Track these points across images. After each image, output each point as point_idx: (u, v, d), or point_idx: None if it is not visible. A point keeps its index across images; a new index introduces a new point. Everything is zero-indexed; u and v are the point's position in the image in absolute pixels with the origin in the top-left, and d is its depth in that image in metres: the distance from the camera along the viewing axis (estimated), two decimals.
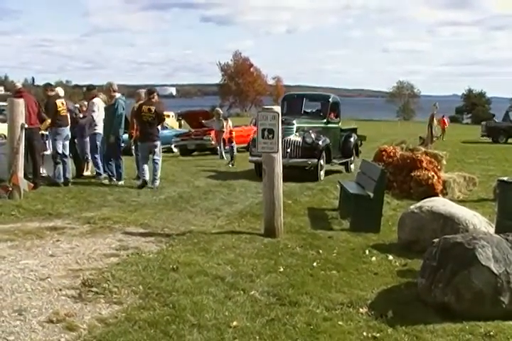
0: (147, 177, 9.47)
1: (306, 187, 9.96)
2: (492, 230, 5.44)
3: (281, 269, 4.82)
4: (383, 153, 10.12)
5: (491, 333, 3.58)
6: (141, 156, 9.78)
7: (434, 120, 23.35)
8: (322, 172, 11.27)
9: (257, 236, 5.99)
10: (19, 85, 9.59)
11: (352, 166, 12.92)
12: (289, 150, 10.78)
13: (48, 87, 9.85)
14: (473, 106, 70.55)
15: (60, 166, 9.22)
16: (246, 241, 5.80)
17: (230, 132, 15.81)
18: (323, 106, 12.79)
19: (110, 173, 9.78)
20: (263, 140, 6.11)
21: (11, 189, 7.78)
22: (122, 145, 10.13)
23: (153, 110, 9.47)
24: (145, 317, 3.62)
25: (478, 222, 5.75)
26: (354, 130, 14.30)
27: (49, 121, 9.16)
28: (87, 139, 10.26)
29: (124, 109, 9.89)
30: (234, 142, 14.79)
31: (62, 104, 9.40)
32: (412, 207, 6.18)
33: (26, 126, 8.19)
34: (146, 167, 9.54)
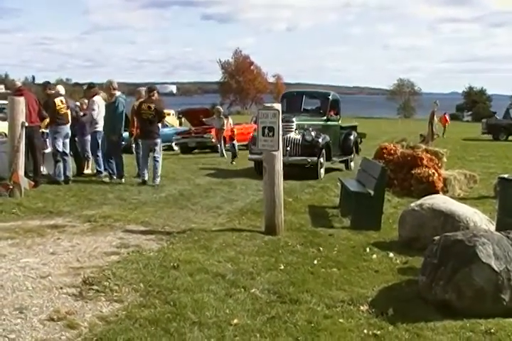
0: (146, 177, 9.48)
1: (306, 184, 9.96)
2: (493, 227, 5.44)
3: (282, 267, 4.82)
4: (384, 150, 10.11)
5: (492, 330, 3.58)
6: (142, 154, 9.79)
7: (435, 117, 23.33)
8: (322, 171, 11.23)
9: (257, 234, 5.99)
10: (19, 84, 9.59)
11: (352, 164, 12.89)
12: (288, 148, 10.71)
13: (47, 85, 9.85)
14: (474, 103, 70.43)
15: (61, 164, 9.22)
16: (247, 238, 5.80)
17: (232, 130, 15.79)
18: (322, 104, 12.74)
19: (111, 171, 9.79)
20: (263, 138, 6.11)
21: (11, 187, 7.78)
22: (123, 143, 10.13)
23: (153, 108, 9.47)
24: (146, 315, 3.63)
25: (479, 219, 5.75)
26: (354, 127, 14.24)
27: (48, 119, 9.17)
28: (88, 137, 10.26)
29: (124, 107, 9.89)
30: (235, 140, 14.78)
31: (62, 102, 9.39)
32: (412, 204, 6.18)
33: (27, 124, 8.19)
34: (146, 166, 9.55)
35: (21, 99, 8.21)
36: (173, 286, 4.18)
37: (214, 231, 6.12)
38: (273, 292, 4.18)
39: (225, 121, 16.61)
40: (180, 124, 25.27)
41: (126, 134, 10.60)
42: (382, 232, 6.38)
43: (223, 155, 15.45)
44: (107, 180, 9.69)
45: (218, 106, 19.77)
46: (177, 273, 4.51)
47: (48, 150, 9.78)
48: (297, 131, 11.21)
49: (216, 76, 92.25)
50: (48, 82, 10.25)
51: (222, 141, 16.00)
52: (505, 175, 5.57)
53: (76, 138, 10.32)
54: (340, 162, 12.74)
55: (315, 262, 5.03)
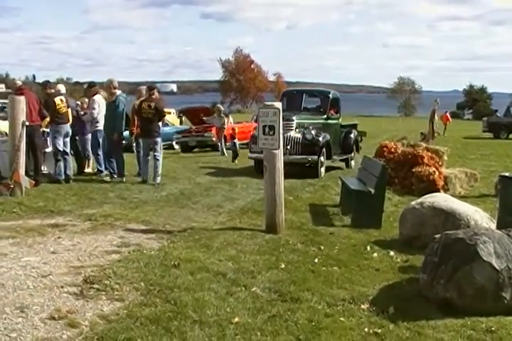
0: (147, 176, 9.48)
1: (307, 183, 9.95)
2: (493, 226, 5.43)
3: (283, 265, 4.82)
4: (384, 149, 10.11)
5: (493, 328, 3.58)
6: (142, 153, 9.80)
7: (435, 116, 23.33)
8: (322, 169, 11.21)
9: (258, 233, 5.99)
10: (20, 83, 9.60)
11: (352, 162, 12.88)
12: (288, 147, 10.66)
13: (46, 84, 9.85)
14: (475, 101, 70.35)
15: (61, 163, 9.22)
16: (247, 237, 5.80)
17: (233, 129, 15.78)
18: (323, 102, 12.70)
19: (111, 170, 9.79)
20: (264, 136, 6.10)
21: (12, 186, 7.79)
22: (123, 142, 10.13)
23: (153, 106, 9.48)
24: (147, 313, 3.63)
25: (480, 217, 5.74)
26: (354, 126, 14.24)
27: (49, 118, 9.17)
28: (89, 136, 10.26)
29: (124, 105, 9.89)
30: (236, 138, 14.77)
31: (62, 101, 9.39)
32: (413, 202, 6.17)
33: (27, 123, 8.19)
34: (147, 165, 9.56)
35: (22, 98, 8.21)
36: (173, 285, 4.18)
37: (215, 230, 6.12)
38: (274, 290, 4.18)
39: (226, 120, 16.61)
40: (181, 123, 25.25)
41: (126, 133, 10.60)
42: (383, 231, 6.38)
43: (224, 154, 15.44)
44: (107, 179, 9.70)
45: (219, 105, 19.75)
46: (178, 271, 4.51)
47: (49, 149, 9.78)
48: (297, 130, 11.18)
49: (217, 74, 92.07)
50: (48, 81, 10.25)
51: (223, 140, 15.99)
52: (506, 174, 5.57)
53: (77, 137, 10.33)
54: (341, 160, 12.72)
55: (316, 260, 5.03)
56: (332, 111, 12.57)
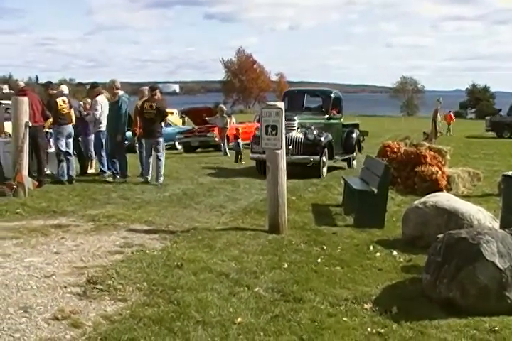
0: (149, 177, 9.50)
1: (310, 183, 9.95)
2: (497, 225, 5.42)
3: (286, 265, 4.82)
4: (387, 148, 10.10)
5: (496, 328, 3.58)
6: (145, 154, 9.80)
7: (438, 115, 23.27)
8: (324, 169, 11.17)
9: (261, 233, 5.99)
10: (22, 84, 9.62)
11: (354, 162, 12.83)
12: (290, 147, 10.59)
13: (49, 85, 9.87)
14: (477, 101, 70.26)
15: (64, 164, 9.24)
16: (250, 237, 5.80)
17: (236, 129, 15.77)
18: (324, 102, 12.65)
19: (114, 171, 9.81)
20: (267, 136, 6.10)
21: (15, 187, 7.81)
22: (126, 142, 10.15)
23: (154, 107, 9.49)
24: (150, 314, 3.63)
25: (483, 217, 5.73)
26: (356, 125, 14.16)
27: (52, 119, 9.19)
28: (91, 137, 10.28)
29: (127, 106, 9.90)
30: (240, 139, 14.76)
31: (64, 102, 9.41)
32: (416, 202, 6.17)
33: (30, 124, 8.21)
34: (149, 165, 9.57)
35: (25, 99, 8.24)
36: (176, 285, 4.18)
37: (218, 230, 6.12)
38: (277, 290, 4.18)
39: (228, 120, 16.61)
40: (184, 123, 25.27)
41: (129, 134, 10.62)
42: (386, 230, 6.37)
43: (226, 154, 15.45)
44: (110, 179, 9.71)
45: (221, 105, 19.75)
46: (181, 272, 4.51)
47: (52, 150, 9.81)
48: (299, 130, 11.13)
49: (219, 75, 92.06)
50: (50, 82, 10.27)
51: (226, 140, 15.99)
52: (510, 173, 5.54)
53: (80, 138, 10.35)
54: (343, 160, 12.67)
55: (318, 260, 5.03)
56: (334, 111, 12.51)
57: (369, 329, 3.55)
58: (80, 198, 7.98)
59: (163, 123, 10.13)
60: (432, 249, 4.27)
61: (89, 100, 10.73)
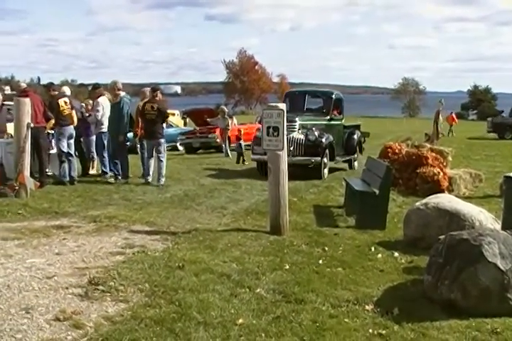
0: (150, 178, 9.51)
1: (311, 184, 9.95)
2: (498, 227, 5.42)
3: (287, 267, 4.82)
4: (389, 149, 10.09)
5: (498, 330, 3.57)
6: (146, 155, 9.81)
7: (440, 116, 23.26)
8: (326, 171, 11.14)
9: (262, 234, 5.99)
10: (24, 85, 9.65)
11: (355, 163, 12.79)
12: (291, 148, 10.56)
13: (50, 86, 9.90)
14: (479, 102, 70.18)
15: (66, 165, 9.25)
16: (252, 238, 5.80)
17: (239, 130, 15.79)
18: (326, 103, 12.62)
19: (116, 172, 9.82)
20: (268, 137, 6.11)
21: (17, 188, 7.83)
22: (127, 143, 10.16)
23: (155, 108, 9.51)
24: (151, 315, 3.64)
25: (485, 218, 5.72)
26: (357, 127, 14.12)
27: (53, 120, 9.21)
28: (93, 138, 10.30)
29: (129, 107, 9.92)
30: (242, 140, 14.76)
31: (66, 103, 9.42)
32: (417, 203, 6.16)
33: (32, 125, 8.23)
34: (150, 166, 9.58)
35: (27, 100, 8.25)
36: (178, 286, 4.19)
37: (219, 231, 6.12)
38: (278, 292, 4.18)
39: (230, 121, 16.62)
40: (185, 124, 25.29)
41: (131, 135, 10.63)
42: (387, 232, 6.37)
43: (228, 156, 15.45)
44: (112, 180, 9.73)
45: (223, 106, 19.78)
46: (182, 273, 4.52)
47: (54, 150, 9.82)
48: (300, 131, 11.11)
49: (221, 76, 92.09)
50: (52, 83, 10.29)
51: (227, 141, 16.00)
52: (511, 174, 5.55)
53: (81, 139, 10.37)
54: (344, 161, 12.65)
55: (320, 262, 5.03)
56: (335, 112, 12.49)
57: (370, 330, 3.55)
58: (82, 199, 7.99)
59: (164, 125, 10.14)
60: (433, 250, 4.26)
61: (91, 101, 10.74)
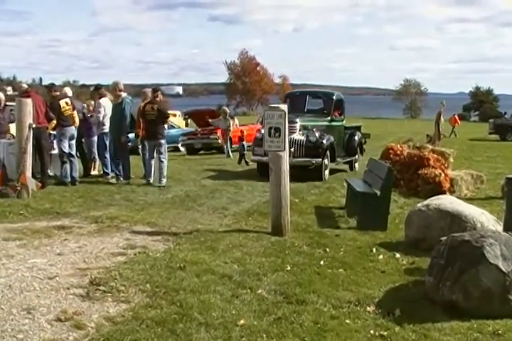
0: (152, 179, 9.51)
1: (313, 185, 9.94)
2: (500, 228, 5.41)
3: (289, 268, 4.82)
4: (390, 151, 10.08)
5: (500, 331, 3.57)
6: (148, 155, 9.82)
7: (441, 118, 23.25)
8: (327, 172, 11.08)
9: (264, 235, 5.99)
10: (25, 86, 9.67)
11: (356, 165, 12.71)
12: (292, 149, 10.45)
13: (52, 87, 9.91)
14: (481, 103, 70.08)
15: (67, 165, 9.26)
16: (253, 239, 5.80)
17: (241, 131, 15.78)
18: (326, 104, 12.53)
19: (117, 172, 9.82)
20: (270, 138, 6.11)
21: (19, 188, 7.83)
22: (129, 144, 10.17)
23: (156, 108, 9.52)
24: (152, 315, 3.64)
25: (486, 219, 5.72)
26: (358, 128, 14.05)
27: (55, 121, 9.22)
28: (95, 138, 10.30)
29: (130, 108, 9.93)
30: (244, 141, 14.75)
31: (67, 103, 9.43)
32: (419, 205, 6.16)
33: (34, 125, 8.24)
34: (151, 167, 9.58)
35: (29, 101, 8.26)
36: (179, 287, 4.19)
37: (220, 232, 6.13)
38: (279, 293, 4.18)
39: (231, 122, 16.62)
40: (187, 125, 25.30)
41: (132, 135, 10.64)
42: (389, 233, 6.37)
43: (229, 156, 15.45)
44: (113, 181, 9.73)
45: (224, 107, 19.80)
46: (183, 274, 4.52)
47: (55, 151, 9.83)
48: (301, 132, 11.05)
49: (222, 77, 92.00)
50: (53, 84, 10.30)
51: (229, 142, 16.01)
52: None
53: (83, 140, 10.37)
54: (345, 163, 12.60)
55: (321, 263, 5.03)
56: (336, 113, 12.41)
57: (372, 331, 3.55)
58: (83, 200, 7.99)
59: (165, 125, 10.14)
60: (435, 252, 4.26)
61: (92, 102, 10.75)
